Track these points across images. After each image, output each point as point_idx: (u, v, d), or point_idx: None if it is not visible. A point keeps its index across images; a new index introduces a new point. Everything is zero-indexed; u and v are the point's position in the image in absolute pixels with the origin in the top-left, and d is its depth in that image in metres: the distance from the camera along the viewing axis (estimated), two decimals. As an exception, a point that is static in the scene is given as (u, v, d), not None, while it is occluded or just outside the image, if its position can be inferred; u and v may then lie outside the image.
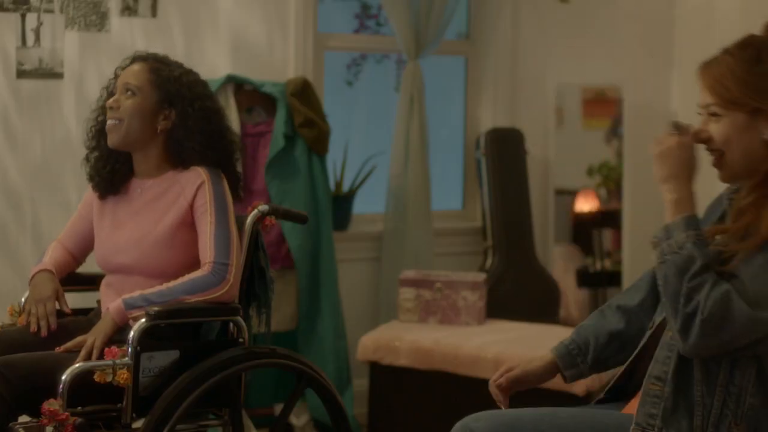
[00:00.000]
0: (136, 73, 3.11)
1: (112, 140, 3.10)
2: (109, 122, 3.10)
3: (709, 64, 2.23)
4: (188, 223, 3.05)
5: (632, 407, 2.29)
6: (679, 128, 2.23)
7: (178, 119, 3.10)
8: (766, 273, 2.10)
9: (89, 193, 3.25)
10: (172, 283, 2.96)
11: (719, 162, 2.24)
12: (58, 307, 3.11)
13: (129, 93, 3.09)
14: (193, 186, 3.06)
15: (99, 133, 3.19)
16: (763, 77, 2.18)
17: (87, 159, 3.23)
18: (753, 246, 2.12)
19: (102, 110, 3.18)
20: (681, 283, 2.10)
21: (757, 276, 2.09)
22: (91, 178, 3.21)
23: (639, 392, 2.25)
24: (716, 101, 2.21)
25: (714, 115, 2.22)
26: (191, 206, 3.05)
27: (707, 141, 2.23)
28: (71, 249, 3.27)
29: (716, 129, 2.22)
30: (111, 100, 3.11)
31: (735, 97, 2.18)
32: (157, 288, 2.96)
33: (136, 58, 3.18)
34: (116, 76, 3.17)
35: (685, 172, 2.20)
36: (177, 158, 3.11)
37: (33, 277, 3.16)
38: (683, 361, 2.17)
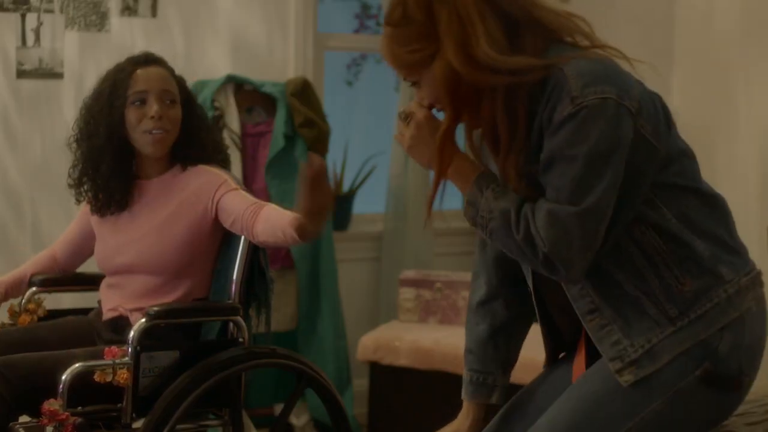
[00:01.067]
0: (165, 79, 3.08)
1: (160, 151, 3.07)
2: (155, 133, 3.03)
3: (381, 43, 2.17)
4: (191, 220, 3.05)
5: (579, 366, 2.20)
6: (407, 114, 2.17)
7: (187, 120, 3.11)
8: (546, 169, 2.02)
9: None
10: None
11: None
12: None
13: (169, 101, 3.06)
14: (214, 185, 3.05)
15: (113, 154, 3.06)
16: (414, 27, 2.09)
17: (85, 181, 3.14)
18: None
19: (104, 122, 3.05)
20: (514, 239, 2.03)
21: (545, 174, 2.02)
22: (96, 202, 3.14)
23: (578, 345, 2.18)
24: (404, 72, 2.15)
25: (414, 83, 2.16)
26: (213, 201, 3.04)
27: (432, 106, 2.16)
28: (59, 256, 3.28)
29: (425, 92, 2.15)
30: (157, 108, 3.02)
31: (410, 59, 2.11)
32: None
33: (151, 61, 3.10)
34: (129, 76, 3.04)
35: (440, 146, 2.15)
36: (179, 158, 3.12)
37: None
38: (599, 279, 2.08)
